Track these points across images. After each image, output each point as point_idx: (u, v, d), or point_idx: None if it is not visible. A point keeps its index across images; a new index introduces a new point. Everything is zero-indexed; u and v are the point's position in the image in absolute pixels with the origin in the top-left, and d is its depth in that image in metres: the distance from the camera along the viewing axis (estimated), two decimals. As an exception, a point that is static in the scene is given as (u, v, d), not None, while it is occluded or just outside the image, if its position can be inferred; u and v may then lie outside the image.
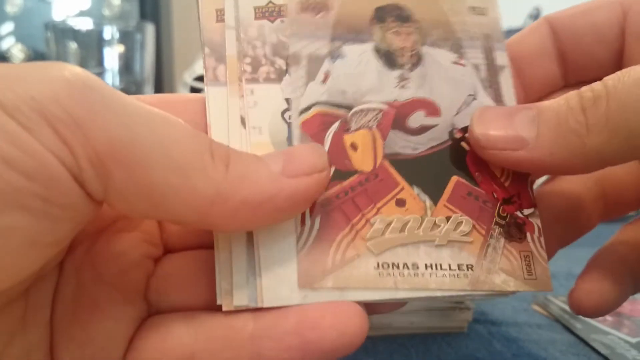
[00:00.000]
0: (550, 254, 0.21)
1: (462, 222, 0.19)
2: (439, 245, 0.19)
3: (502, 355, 0.28)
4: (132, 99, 0.15)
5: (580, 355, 0.28)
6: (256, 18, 0.20)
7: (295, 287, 0.17)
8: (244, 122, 0.19)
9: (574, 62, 0.23)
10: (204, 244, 0.19)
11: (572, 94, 0.18)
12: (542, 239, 0.20)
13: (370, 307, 0.18)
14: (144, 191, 0.14)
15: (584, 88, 0.18)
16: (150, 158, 0.14)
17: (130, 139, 0.14)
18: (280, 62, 0.20)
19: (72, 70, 0.14)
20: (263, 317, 0.16)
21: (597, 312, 0.21)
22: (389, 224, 0.18)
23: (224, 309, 0.17)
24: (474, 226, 0.19)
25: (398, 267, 0.18)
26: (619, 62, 0.23)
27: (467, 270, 0.18)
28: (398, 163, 0.19)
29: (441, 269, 0.18)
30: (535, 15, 0.82)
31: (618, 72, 0.17)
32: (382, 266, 0.18)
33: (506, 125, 0.18)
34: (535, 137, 0.18)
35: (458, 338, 0.30)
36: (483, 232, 0.19)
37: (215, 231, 0.17)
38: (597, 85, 0.17)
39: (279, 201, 0.16)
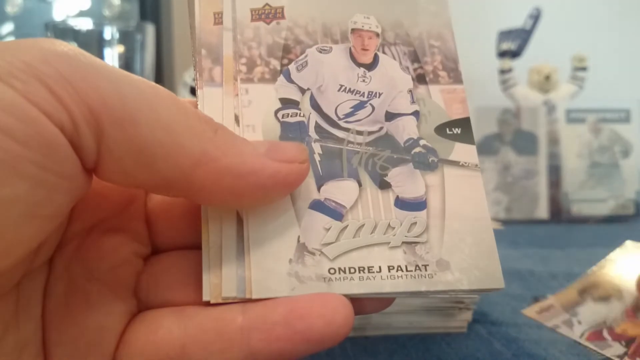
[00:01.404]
0: None
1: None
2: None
3: (502, 355, 0.28)
4: (117, 67, 0.16)
5: (581, 356, 0.28)
6: (252, 20, 0.21)
7: (284, 278, 0.18)
8: (237, 121, 0.20)
9: None
10: (191, 244, 0.20)
11: None
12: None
13: (356, 305, 0.18)
14: (134, 148, 0.15)
15: None
16: (140, 116, 0.15)
17: (120, 98, 0.15)
18: (275, 63, 0.21)
19: (61, 42, 0.15)
20: (252, 309, 0.17)
21: None
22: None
23: (212, 301, 0.17)
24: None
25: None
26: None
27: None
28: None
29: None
30: (535, 16, 0.82)
31: None
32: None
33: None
34: None
35: (458, 338, 0.30)
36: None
37: (200, 202, 0.18)
38: None
39: (262, 178, 0.16)
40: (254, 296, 0.17)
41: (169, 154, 0.15)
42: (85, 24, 0.58)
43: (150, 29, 0.61)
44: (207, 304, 0.17)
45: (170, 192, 0.17)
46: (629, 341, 0.29)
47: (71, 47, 0.15)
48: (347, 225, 0.19)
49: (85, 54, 0.15)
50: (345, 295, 0.17)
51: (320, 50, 0.21)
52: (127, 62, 0.59)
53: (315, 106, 0.21)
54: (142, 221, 0.20)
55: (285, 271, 0.18)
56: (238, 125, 0.19)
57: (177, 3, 1.27)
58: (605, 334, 0.30)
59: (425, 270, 0.19)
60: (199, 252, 0.18)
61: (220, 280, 0.17)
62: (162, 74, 1.17)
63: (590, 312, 0.32)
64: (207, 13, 0.21)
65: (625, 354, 0.27)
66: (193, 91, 0.73)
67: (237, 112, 0.20)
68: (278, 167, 0.17)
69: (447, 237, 0.19)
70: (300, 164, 0.17)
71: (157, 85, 0.16)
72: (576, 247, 0.25)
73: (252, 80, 0.20)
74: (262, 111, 0.20)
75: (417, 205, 0.20)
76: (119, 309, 0.18)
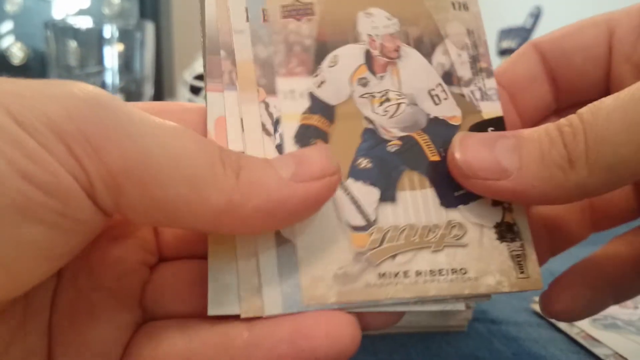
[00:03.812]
0: (541, 262, 0.21)
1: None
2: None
3: (502, 354, 0.28)
4: (141, 111, 0.15)
5: (581, 354, 0.28)
6: (283, 17, 0.20)
7: (332, 287, 0.17)
8: (265, 129, 0.19)
9: (565, 84, 0.23)
10: (198, 253, 0.20)
11: (551, 127, 0.18)
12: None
13: (364, 322, 0.18)
14: (156, 205, 0.15)
15: (562, 121, 0.18)
16: (162, 173, 0.14)
17: (142, 156, 0.14)
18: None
19: (84, 88, 0.15)
20: (258, 325, 0.17)
21: (566, 316, 0.22)
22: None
23: (243, 316, 0.17)
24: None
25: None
26: (608, 84, 0.23)
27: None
28: None
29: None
30: (535, 14, 0.82)
31: (592, 105, 0.17)
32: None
33: (488, 154, 0.18)
34: (517, 168, 0.18)
35: (458, 337, 0.30)
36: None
37: (226, 234, 0.17)
38: (574, 119, 0.17)
39: (290, 206, 0.16)
40: (266, 314, 0.17)
41: (193, 208, 0.15)
42: (85, 23, 0.58)
43: (149, 27, 0.61)
44: (213, 317, 0.17)
45: (197, 232, 0.17)
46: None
47: (95, 95, 0.14)
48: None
49: (109, 104, 0.15)
50: (389, 300, 0.17)
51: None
52: (126, 61, 0.59)
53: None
54: (150, 230, 0.20)
55: (332, 279, 0.17)
56: (268, 135, 0.19)
57: (177, 1, 1.27)
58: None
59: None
60: (205, 262, 0.18)
61: (256, 294, 0.17)
62: (161, 72, 1.17)
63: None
64: (224, 11, 0.20)
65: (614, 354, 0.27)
66: (193, 90, 0.73)
67: (264, 120, 0.19)
68: (307, 190, 0.16)
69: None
70: (330, 177, 0.16)
71: (183, 131, 0.15)
72: (577, 246, 0.25)
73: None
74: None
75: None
76: (124, 319, 0.18)
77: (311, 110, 0.19)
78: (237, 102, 0.19)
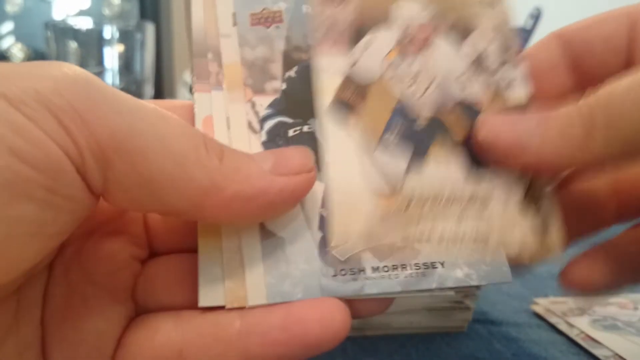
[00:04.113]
0: (567, 244, 0.22)
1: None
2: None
3: (502, 355, 0.28)
4: (128, 95, 0.15)
5: (581, 355, 0.28)
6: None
7: (280, 289, 0.18)
8: (251, 127, 0.20)
9: (585, 73, 0.24)
10: (188, 247, 0.20)
11: (571, 106, 0.19)
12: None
13: (354, 309, 0.18)
14: (142, 181, 0.15)
15: (581, 101, 0.19)
16: (149, 148, 0.15)
17: (130, 130, 0.15)
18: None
19: (72, 67, 0.15)
20: (249, 313, 0.17)
21: (584, 287, 0.22)
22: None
23: (228, 306, 0.17)
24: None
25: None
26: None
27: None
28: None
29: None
30: (535, 15, 0.82)
31: (609, 85, 0.18)
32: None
33: (511, 132, 0.19)
34: (539, 143, 0.19)
35: (458, 338, 0.30)
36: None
37: (206, 222, 0.18)
38: (591, 97, 0.19)
39: (270, 196, 0.16)
40: (269, 301, 0.17)
41: (177, 185, 0.15)
42: (85, 23, 0.58)
43: (150, 28, 0.61)
44: (206, 308, 0.17)
45: (179, 218, 0.17)
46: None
47: (83, 74, 0.15)
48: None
49: (97, 83, 0.15)
50: (354, 296, 0.18)
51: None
52: (127, 61, 0.59)
53: None
54: (141, 224, 0.20)
55: (316, 273, 0.18)
56: (254, 132, 0.20)
57: (177, 2, 1.27)
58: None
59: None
60: (195, 255, 0.18)
61: (240, 286, 0.18)
62: (162, 73, 1.17)
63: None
64: (211, 16, 0.21)
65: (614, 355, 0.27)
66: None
67: (250, 119, 0.20)
68: (285, 183, 0.17)
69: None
70: (307, 174, 0.17)
71: (169, 115, 0.16)
72: (577, 247, 0.25)
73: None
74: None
75: None
76: (117, 312, 0.18)
77: (344, 87, 0.21)
78: (223, 101, 0.20)
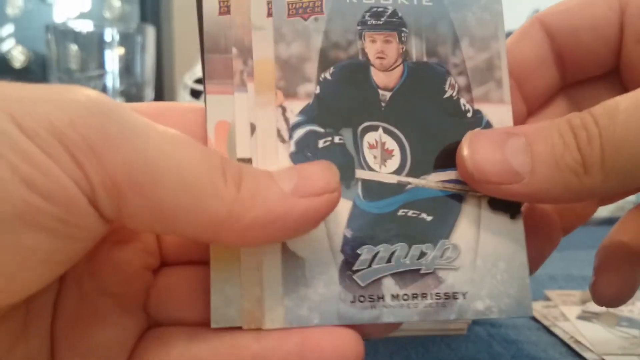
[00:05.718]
0: (557, 241, 0.22)
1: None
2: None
3: (501, 357, 0.28)
4: (144, 119, 0.15)
5: (580, 358, 0.28)
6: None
7: (299, 313, 0.17)
8: (280, 135, 0.18)
9: (572, 63, 0.23)
10: (200, 258, 0.20)
11: (563, 126, 0.18)
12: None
13: (365, 332, 0.18)
14: (156, 212, 0.15)
15: (575, 122, 0.17)
16: (163, 181, 0.14)
17: (144, 163, 0.14)
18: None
19: (87, 94, 0.15)
20: (266, 337, 0.17)
21: (618, 301, 0.22)
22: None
23: (245, 327, 0.17)
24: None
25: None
26: (617, 62, 0.22)
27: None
28: None
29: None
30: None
31: (608, 107, 0.17)
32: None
33: (498, 156, 0.18)
34: (529, 171, 0.17)
35: (458, 340, 0.30)
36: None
37: (225, 246, 0.17)
38: (589, 123, 0.17)
39: (289, 221, 0.16)
40: (306, 323, 0.17)
41: (192, 217, 0.15)
42: (85, 26, 0.59)
43: (150, 31, 0.61)
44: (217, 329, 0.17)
45: (196, 241, 0.17)
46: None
47: (99, 102, 0.14)
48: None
49: (112, 112, 0.14)
50: (370, 323, 0.17)
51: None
52: (127, 64, 0.60)
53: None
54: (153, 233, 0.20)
55: (335, 298, 0.18)
56: (282, 141, 0.18)
57: (178, 5, 1.27)
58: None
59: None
60: (207, 268, 0.18)
61: (258, 307, 0.17)
62: (162, 76, 1.17)
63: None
64: (239, 3, 0.18)
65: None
66: (194, 93, 0.73)
67: (280, 126, 0.18)
68: (307, 205, 0.16)
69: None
70: (330, 194, 0.16)
71: (186, 140, 0.15)
72: (575, 249, 0.25)
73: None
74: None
75: None
76: (129, 324, 0.18)
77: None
78: (246, 105, 0.18)
